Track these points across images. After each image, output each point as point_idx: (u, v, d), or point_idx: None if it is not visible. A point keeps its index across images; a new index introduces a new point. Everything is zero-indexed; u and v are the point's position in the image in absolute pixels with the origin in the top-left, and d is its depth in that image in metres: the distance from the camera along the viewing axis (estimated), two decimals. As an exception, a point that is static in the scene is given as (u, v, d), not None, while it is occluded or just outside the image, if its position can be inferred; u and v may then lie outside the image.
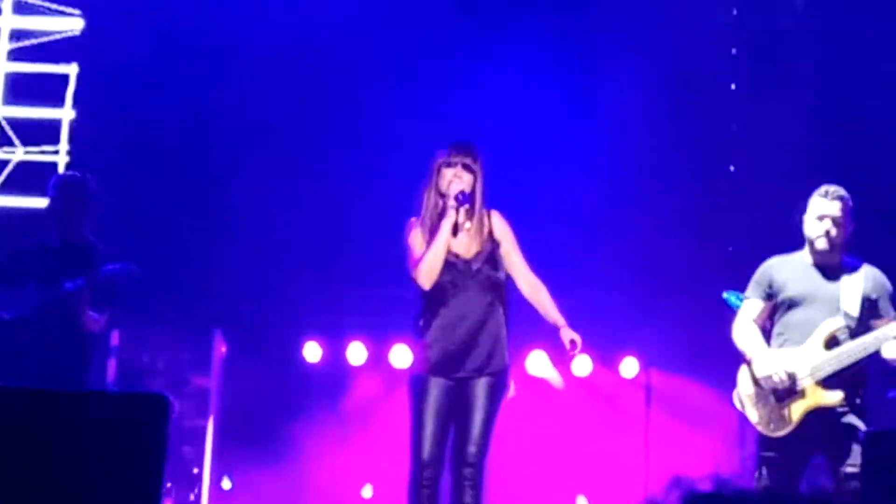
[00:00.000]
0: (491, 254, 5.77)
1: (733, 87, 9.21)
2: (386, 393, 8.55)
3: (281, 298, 8.90)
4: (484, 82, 8.90)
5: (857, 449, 5.51)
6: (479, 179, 5.77)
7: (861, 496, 5.11)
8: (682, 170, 9.06)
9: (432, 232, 5.71)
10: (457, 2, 9.14)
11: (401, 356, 8.60)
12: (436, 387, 5.65)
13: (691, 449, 8.42)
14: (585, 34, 9.10)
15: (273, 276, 8.79)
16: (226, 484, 8.70)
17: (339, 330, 8.97)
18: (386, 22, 8.94)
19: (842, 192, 5.82)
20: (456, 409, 5.65)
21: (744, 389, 5.84)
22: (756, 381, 5.77)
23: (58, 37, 8.91)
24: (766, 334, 5.88)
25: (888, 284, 5.85)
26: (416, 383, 5.72)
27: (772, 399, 5.71)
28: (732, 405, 5.94)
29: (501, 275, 5.78)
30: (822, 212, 5.79)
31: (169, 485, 7.99)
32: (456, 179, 5.72)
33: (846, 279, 5.78)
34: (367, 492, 8.84)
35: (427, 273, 5.66)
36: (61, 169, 8.67)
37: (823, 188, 5.84)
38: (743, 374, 5.85)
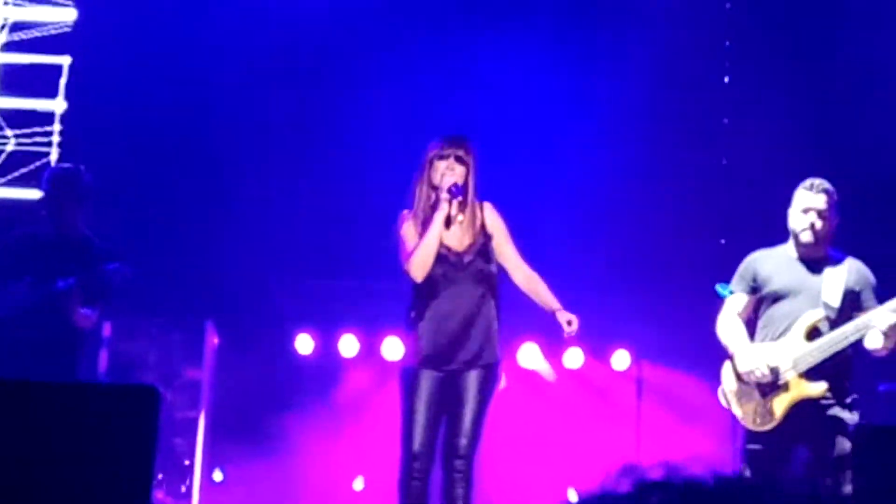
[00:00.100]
0: (483, 246, 5.77)
1: (726, 80, 9.22)
2: (378, 385, 8.54)
3: (273, 290, 8.89)
4: (483, 80, 8.90)
5: (842, 441, 5.52)
6: (472, 172, 5.76)
7: (851, 491, 5.11)
8: (675, 163, 9.06)
9: (425, 224, 5.71)
10: (456, 1, 9.15)
11: (393, 348, 8.59)
12: (427, 379, 5.65)
13: (682, 441, 8.42)
14: (581, 29, 9.10)
15: (265, 268, 8.79)
16: (217, 476, 8.70)
17: (331, 322, 8.96)
18: (385, 20, 8.94)
19: (826, 185, 5.81)
20: (447, 402, 5.66)
21: (728, 386, 5.83)
22: (739, 377, 5.77)
23: (52, 29, 8.90)
24: (752, 328, 5.88)
25: (872, 277, 5.84)
26: (408, 376, 5.72)
27: (756, 394, 5.71)
28: (722, 399, 5.95)
29: (493, 267, 5.78)
30: (807, 205, 5.79)
31: (160, 476, 8.00)
32: (448, 172, 5.71)
33: (829, 271, 5.77)
34: (358, 484, 8.84)
35: (419, 265, 5.65)
36: (53, 160, 8.66)
37: (808, 181, 5.83)
38: (726, 370, 5.85)
